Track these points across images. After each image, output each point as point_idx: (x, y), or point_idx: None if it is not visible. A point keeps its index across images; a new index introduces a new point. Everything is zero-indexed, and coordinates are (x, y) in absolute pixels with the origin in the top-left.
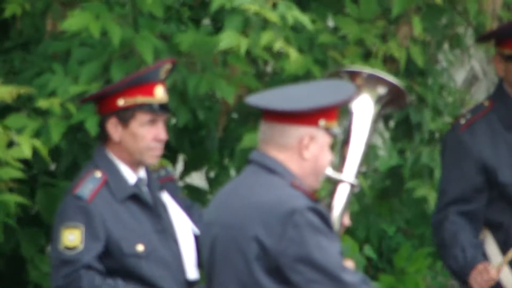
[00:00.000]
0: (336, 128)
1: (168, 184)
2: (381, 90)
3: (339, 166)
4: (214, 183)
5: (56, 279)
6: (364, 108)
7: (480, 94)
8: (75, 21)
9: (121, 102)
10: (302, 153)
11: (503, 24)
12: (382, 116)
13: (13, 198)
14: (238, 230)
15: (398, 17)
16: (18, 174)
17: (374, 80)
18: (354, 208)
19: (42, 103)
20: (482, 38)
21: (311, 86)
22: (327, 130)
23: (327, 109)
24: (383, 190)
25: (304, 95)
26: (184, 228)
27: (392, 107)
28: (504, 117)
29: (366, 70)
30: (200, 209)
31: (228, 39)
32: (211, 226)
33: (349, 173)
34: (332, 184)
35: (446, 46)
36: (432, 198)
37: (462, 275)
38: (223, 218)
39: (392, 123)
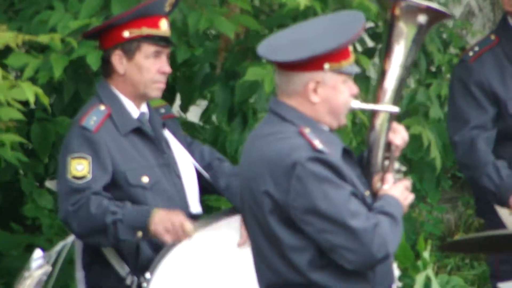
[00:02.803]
0: (349, 66)
1: (169, 121)
2: (421, 18)
3: (376, 97)
4: (207, 118)
5: (65, 206)
6: (401, 37)
7: (476, 29)
8: None
9: (126, 33)
10: (310, 97)
11: None
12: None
13: (11, 137)
14: (253, 184)
15: None
16: (17, 115)
17: (413, 9)
18: (354, 142)
19: (43, 38)
20: None
21: (318, 25)
22: (336, 70)
23: (327, 54)
24: None
25: (308, 38)
26: (186, 164)
27: (433, 25)
28: (509, 51)
29: None
30: (200, 146)
31: None
32: (239, 177)
33: (386, 101)
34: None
35: None
36: (425, 136)
37: (499, 196)
38: (244, 170)
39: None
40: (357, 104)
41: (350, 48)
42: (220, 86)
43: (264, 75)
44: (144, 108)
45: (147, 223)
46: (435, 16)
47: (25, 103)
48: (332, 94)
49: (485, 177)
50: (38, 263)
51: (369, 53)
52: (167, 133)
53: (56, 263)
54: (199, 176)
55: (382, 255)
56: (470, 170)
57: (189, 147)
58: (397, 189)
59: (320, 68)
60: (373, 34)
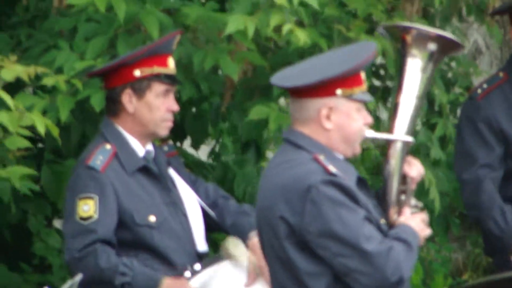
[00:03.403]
0: (362, 93)
1: (172, 159)
2: (432, 46)
3: (390, 126)
4: (214, 157)
5: (71, 251)
6: (413, 66)
7: (483, 67)
8: None
9: (137, 72)
10: (324, 124)
11: None
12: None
13: (20, 170)
14: (268, 211)
15: None
16: (24, 143)
17: (424, 37)
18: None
19: (48, 81)
20: (496, 11)
21: (331, 55)
22: (349, 97)
23: (339, 78)
24: (378, 166)
25: (320, 65)
26: (191, 202)
27: (446, 55)
28: None
29: (416, 26)
30: (204, 183)
31: (235, 22)
32: (256, 209)
33: (399, 131)
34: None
35: (453, 19)
36: (428, 176)
37: (505, 241)
38: (259, 201)
39: (391, 101)
40: (372, 134)
41: (363, 76)
42: (235, 113)
43: (269, 113)
44: (149, 146)
45: None
46: (447, 45)
47: (34, 140)
48: (346, 121)
49: (490, 221)
50: None
51: (375, 91)
52: (171, 171)
53: None
54: (205, 214)
55: (396, 279)
56: (476, 210)
57: (193, 185)
58: (414, 220)
59: (333, 93)
60: (377, 72)
